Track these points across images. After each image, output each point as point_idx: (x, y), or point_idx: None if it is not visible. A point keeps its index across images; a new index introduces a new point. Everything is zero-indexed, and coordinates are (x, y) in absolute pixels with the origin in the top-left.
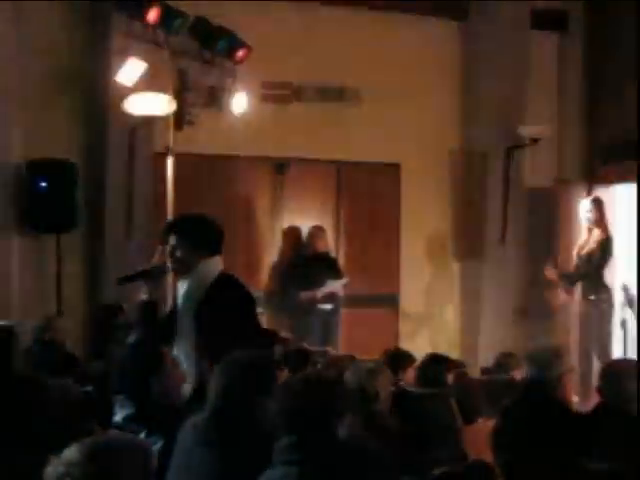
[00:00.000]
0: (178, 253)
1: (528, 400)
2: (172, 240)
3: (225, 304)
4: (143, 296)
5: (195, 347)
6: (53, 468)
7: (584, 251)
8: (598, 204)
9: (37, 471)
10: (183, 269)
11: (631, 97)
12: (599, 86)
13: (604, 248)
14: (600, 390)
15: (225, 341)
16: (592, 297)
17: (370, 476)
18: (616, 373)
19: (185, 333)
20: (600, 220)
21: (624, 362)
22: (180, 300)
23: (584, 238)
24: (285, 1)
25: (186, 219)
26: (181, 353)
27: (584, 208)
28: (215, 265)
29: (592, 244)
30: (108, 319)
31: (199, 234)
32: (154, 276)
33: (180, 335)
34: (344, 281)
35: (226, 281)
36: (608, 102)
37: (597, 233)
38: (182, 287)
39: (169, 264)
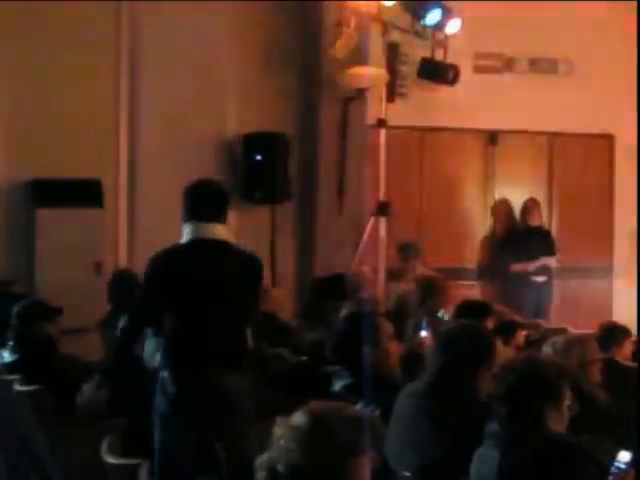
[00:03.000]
0: None
1: None
2: None
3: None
4: None
5: None
6: (279, 430)
7: None
8: None
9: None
10: None
11: None
12: None
13: None
14: None
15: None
16: None
17: (575, 477)
18: None
19: None
20: None
21: None
22: None
23: None
24: None
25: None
26: None
27: None
28: (186, 232)
29: None
30: (328, 288)
31: (184, 200)
32: None
33: None
34: (556, 257)
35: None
36: None
37: None
38: None
39: None
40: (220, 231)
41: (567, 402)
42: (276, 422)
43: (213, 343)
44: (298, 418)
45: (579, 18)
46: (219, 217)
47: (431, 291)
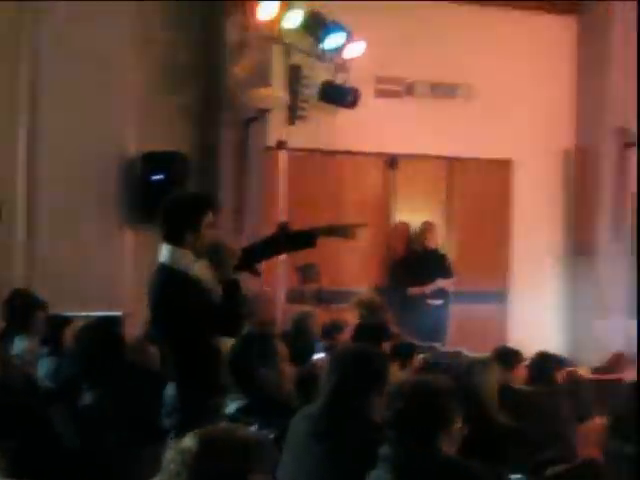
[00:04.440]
0: None
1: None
2: None
3: None
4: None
5: None
6: (169, 454)
7: None
8: None
9: (157, 457)
10: None
11: None
12: None
13: None
14: None
15: None
16: None
17: None
18: None
19: None
20: None
21: None
22: None
23: None
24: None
25: None
26: None
27: None
28: None
29: None
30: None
31: None
32: None
33: None
34: (453, 280)
35: None
36: None
37: None
38: None
39: None
40: (163, 252)
41: (458, 425)
42: (167, 445)
43: None
44: (187, 441)
45: (481, 43)
46: (169, 237)
47: (373, 311)
